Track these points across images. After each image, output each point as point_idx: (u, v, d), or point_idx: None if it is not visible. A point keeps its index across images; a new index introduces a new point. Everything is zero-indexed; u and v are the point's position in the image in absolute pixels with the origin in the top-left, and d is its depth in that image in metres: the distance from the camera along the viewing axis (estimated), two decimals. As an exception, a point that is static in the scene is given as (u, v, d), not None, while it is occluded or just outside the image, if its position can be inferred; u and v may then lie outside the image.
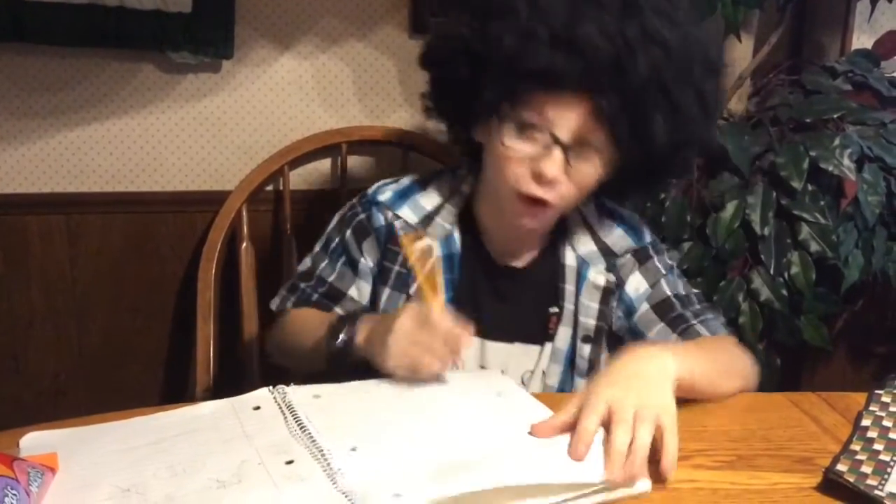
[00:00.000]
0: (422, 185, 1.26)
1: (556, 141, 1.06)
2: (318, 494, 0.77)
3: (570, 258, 1.23)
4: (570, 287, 1.22)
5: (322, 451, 0.84)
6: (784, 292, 1.61)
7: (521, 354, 1.23)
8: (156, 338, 1.85)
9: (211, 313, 1.65)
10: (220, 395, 0.97)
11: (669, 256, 1.29)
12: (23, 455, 0.81)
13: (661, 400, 0.89)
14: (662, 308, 1.22)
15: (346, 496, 0.76)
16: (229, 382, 1.64)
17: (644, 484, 0.83)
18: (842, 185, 1.60)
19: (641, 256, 1.25)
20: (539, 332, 1.23)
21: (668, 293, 1.23)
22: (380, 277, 1.24)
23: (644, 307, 1.23)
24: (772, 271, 1.60)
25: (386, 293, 1.23)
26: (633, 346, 1.01)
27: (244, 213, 1.71)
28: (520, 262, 1.24)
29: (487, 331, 1.20)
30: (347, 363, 1.06)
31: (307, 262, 1.30)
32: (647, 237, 1.27)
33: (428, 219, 1.23)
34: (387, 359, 0.98)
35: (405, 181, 1.28)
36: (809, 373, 1.97)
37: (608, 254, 1.24)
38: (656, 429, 0.85)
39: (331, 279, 1.26)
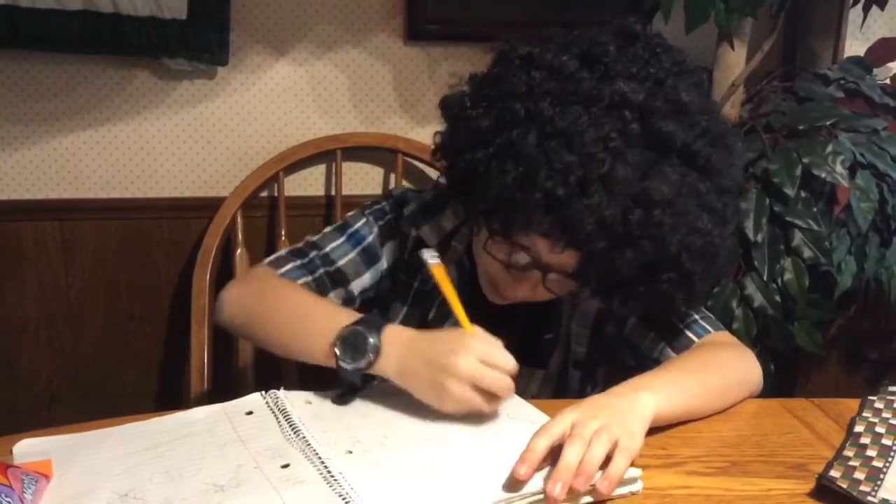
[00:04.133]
0: (443, 203, 1.21)
1: (538, 266, 1.03)
2: (317, 497, 0.77)
3: None
4: (564, 313, 1.21)
5: (318, 454, 0.84)
6: (777, 298, 1.61)
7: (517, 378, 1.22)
8: (150, 344, 1.85)
9: (205, 319, 1.65)
10: (214, 401, 0.97)
11: None
12: (16, 462, 0.81)
13: (627, 427, 0.84)
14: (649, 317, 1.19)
15: (344, 499, 0.77)
16: (224, 388, 1.64)
17: (636, 484, 0.83)
18: (834, 192, 1.61)
19: None
20: (533, 357, 1.20)
21: None
22: (393, 291, 1.21)
23: (632, 319, 1.20)
24: (765, 277, 1.61)
25: (403, 311, 1.20)
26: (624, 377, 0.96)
27: (239, 219, 1.71)
28: None
29: None
30: (357, 385, 0.98)
31: (315, 237, 1.21)
32: None
33: (446, 241, 1.19)
34: (444, 404, 0.92)
35: (428, 195, 1.23)
36: (803, 379, 1.97)
37: None
38: (612, 447, 0.81)
39: (340, 263, 1.18)
